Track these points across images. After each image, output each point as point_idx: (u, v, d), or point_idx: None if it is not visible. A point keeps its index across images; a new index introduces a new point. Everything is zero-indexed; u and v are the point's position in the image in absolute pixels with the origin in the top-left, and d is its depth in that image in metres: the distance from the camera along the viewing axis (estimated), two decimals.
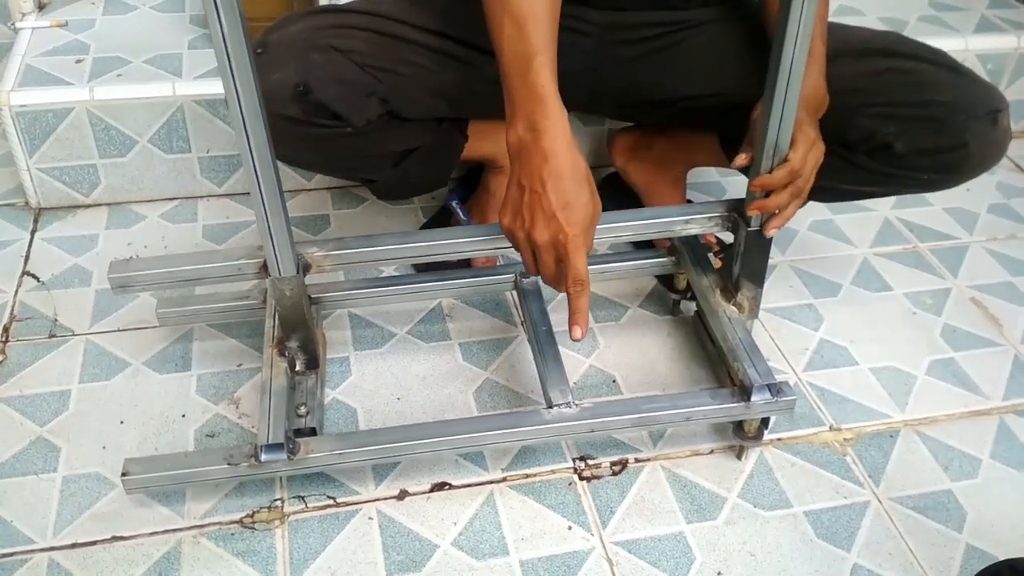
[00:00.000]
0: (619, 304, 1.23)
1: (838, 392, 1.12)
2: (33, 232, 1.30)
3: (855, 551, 0.95)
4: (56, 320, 1.16)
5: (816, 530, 0.96)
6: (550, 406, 0.94)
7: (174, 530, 0.92)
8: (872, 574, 0.93)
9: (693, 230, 1.02)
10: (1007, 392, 1.14)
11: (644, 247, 1.22)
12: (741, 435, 1.00)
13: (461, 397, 1.09)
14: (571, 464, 1.02)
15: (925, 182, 1.05)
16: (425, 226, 1.31)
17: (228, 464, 0.89)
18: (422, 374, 1.11)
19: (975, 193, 1.51)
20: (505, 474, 1.00)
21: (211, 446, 1.00)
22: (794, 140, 0.90)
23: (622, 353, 1.16)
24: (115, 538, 0.91)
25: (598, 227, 0.84)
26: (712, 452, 1.04)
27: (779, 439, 1.06)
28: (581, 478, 1.00)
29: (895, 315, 1.25)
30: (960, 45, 1.54)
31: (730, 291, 1.06)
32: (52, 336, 1.13)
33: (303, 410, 0.96)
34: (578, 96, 1.00)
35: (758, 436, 1.00)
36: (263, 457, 0.88)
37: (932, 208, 1.47)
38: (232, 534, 0.92)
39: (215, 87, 1.28)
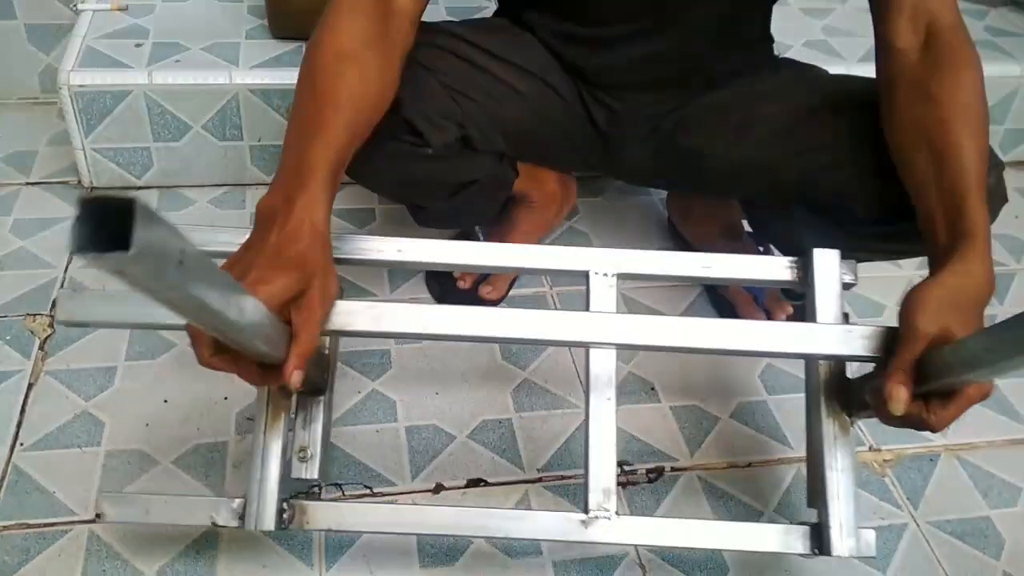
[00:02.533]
0: (660, 313, 1.23)
1: None
2: None
3: (891, 573, 0.94)
4: None
5: None
6: (587, 511, 0.81)
7: None
8: None
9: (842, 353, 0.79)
10: None
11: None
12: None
13: (499, 396, 1.09)
14: None
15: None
16: None
17: (213, 525, 0.79)
18: (461, 370, 1.12)
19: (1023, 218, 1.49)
20: (541, 475, 1.00)
21: (251, 429, 1.01)
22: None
23: (662, 361, 1.15)
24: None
25: (713, 347, 0.77)
26: (750, 465, 1.04)
27: None
28: (617, 484, 1.00)
29: None
30: (1016, 71, 1.53)
31: (850, 402, 0.83)
32: None
33: (303, 455, 0.83)
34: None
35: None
36: (255, 526, 0.78)
37: None
38: None
39: (270, 77, 1.30)
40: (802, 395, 0.87)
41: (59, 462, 0.97)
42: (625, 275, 0.87)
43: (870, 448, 1.07)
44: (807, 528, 0.81)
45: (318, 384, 0.84)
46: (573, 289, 1.25)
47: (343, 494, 0.96)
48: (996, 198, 0.86)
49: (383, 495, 0.97)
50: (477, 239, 1.26)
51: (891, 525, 0.98)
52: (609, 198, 1.44)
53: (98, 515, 0.80)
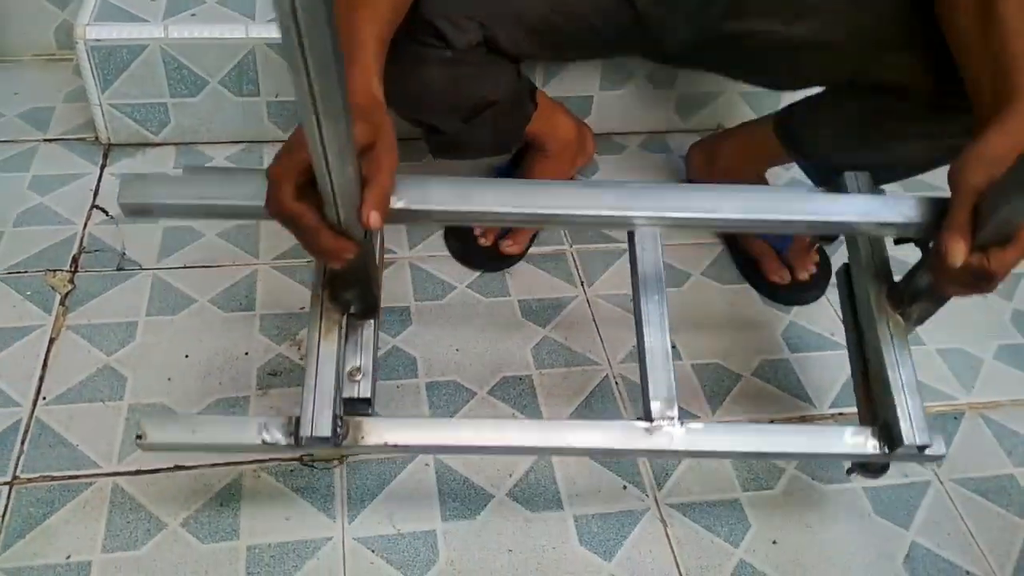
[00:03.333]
0: (681, 271, 1.22)
1: None
2: (103, 167, 1.32)
3: (914, 529, 0.94)
4: (124, 254, 1.17)
5: (875, 506, 0.95)
6: (649, 418, 0.78)
7: (235, 463, 0.94)
8: (930, 553, 0.92)
9: (877, 233, 0.79)
10: None
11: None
12: (863, 469, 0.87)
13: (520, 352, 1.09)
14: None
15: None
16: None
17: (264, 443, 0.75)
18: (481, 327, 1.11)
19: None
20: None
21: (273, 384, 1.02)
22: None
23: (682, 319, 1.14)
24: (177, 467, 0.93)
25: (759, 218, 0.75)
26: (772, 422, 1.03)
27: (841, 413, 1.04)
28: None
29: (966, 298, 1.22)
30: None
31: (900, 298, 0.84)
32: (120, 269, 1.15)
33: (355, 374, 0.81)
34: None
35: (879, 475, 0.87)
36: (304, 442, 0.74)
37: None
38: (291, 470, 0.94)
39: None
40: (824, 352, 0.87)
41: (82, 416, 0.97)
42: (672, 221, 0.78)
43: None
44: (874, 428, 0.80)
45: (370, 302, 0.81)
46: (591, 247, 1.24)
47: None
48: None
49: (406, 449, 0.97)
50: None
51: (914, 483, 0.98)
52: (629, 155, 1.43)
53: (139, 436, 0.75)
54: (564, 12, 0.96)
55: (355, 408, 0.79)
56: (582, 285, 1.18)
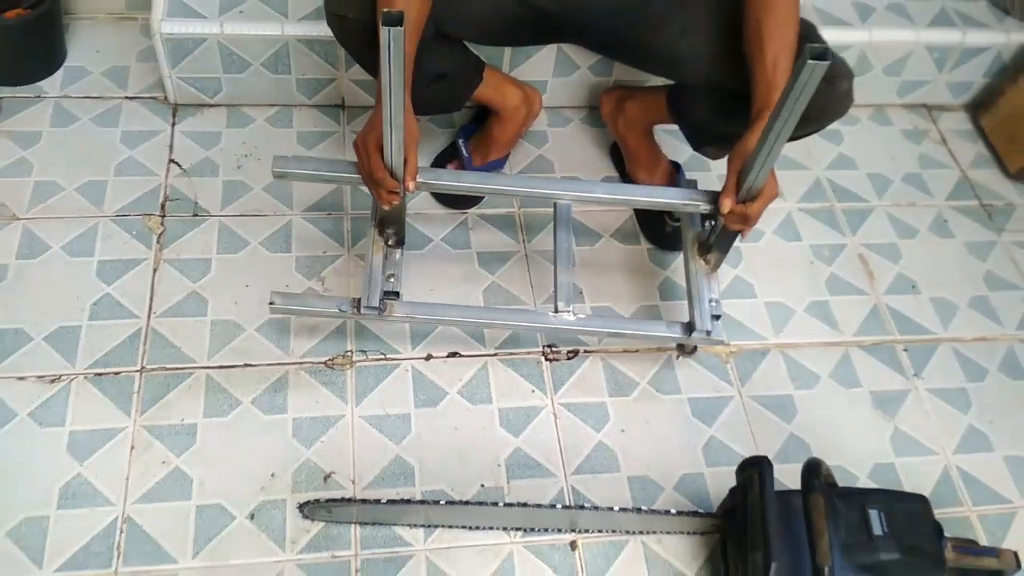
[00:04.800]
0: (596, 233, 1.69)
1: (736, 317, 1.61)
2: (173, 125, 1.75)
3: (715, 427, 1.47)
4: (197, 202, 1.64)
5: (692, 411, 1.48)
6: (557, 311, 1.37)
7: (282, 363, 1.45)
8: (722, 444, 1.45)
9: (689, 210, 1.39)
10: (858, 330, 1.62)
11: None
12: (681, 350, 1.47)
13: (474, 294, 1.58)
14: (541, 349, 1.52)
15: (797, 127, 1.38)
16: (439, 155, 1.74)
17: (339, 310, 1.35)
18: (449, 273, 1.60)
19: (897, 161, 1.91)
20: (497, 351, 1.51)
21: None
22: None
23: (591, 272, 1.63)
24: (247, 365, 1.45)
25: (618, 196, 1.40)
26: (638, 352, 1.54)
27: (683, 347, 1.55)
28: (546, 359, 1.51)
29: (797, 262, 1.71)
30: (912, 36, 1.88)
31: (705, 249, 1.42)
32: (195, 215, 1.62)
33: (392, 279, 1.37)
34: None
35: (693, 353, 1.47)
36: (363, 311, 1.33)
37: (857, 172, 1.88)
38: (319, 370, 1.45)
39: (312, 29, 1.68)
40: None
41: (181, 327, 1.47)
42: (581, 199, 1.42)
43: (723, 344, 1.57)
44: (683, 324, 1.40)
45: (400, 237, 1.40)
46: (533, 210, 1.70)
47: (367, 357, 1.48)
48: (842, 100, 1.36)
49: (393, 359, 1.48)
50: (461, 151, 1.70)
51: (722, 397, 1.50)
52: (573, 128, 1.86)
53: (271, 303, 1.33)
54: (498, 11, 1.36)
55: (389, 296, 1.37)
56: (523, 243, 1.66)
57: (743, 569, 1.17)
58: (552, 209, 1.43)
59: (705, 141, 1.55)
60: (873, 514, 1.15)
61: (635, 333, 1.43)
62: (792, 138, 1.43)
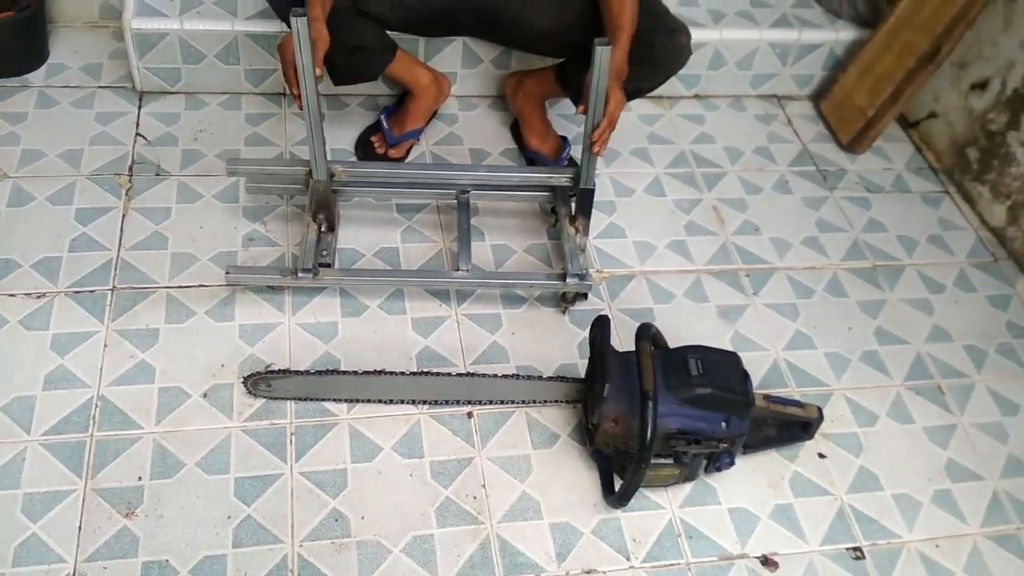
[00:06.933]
0: (511, 215, 2.03)
1: (609, 252, 1.96)
2: (139, 107, 2.08)
3: (586, 329, 1.80)
4: (159, 165, 1.96)
5: (571, 320, 1.81)
6: (457, 270, 1.75)
7: (231, 284, 1.76)
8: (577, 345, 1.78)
9: (555, 184, 1.84)
10: (708, 261, 1.98)
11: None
12: (565, 301, 1.81)
13: (391, 234, 1.91)
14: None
15: (649, 75, 1.82)
16: (364, 131, 2.10)
17: (280, 275, 1.69)
18: (396, 240, 1.93)
19: (750, 138, 2.30)
20: (415, 277, 1.84)
21: (250, 248, 1.83)
22: (608, 98, 1.61)
23: (500, 240, 1.97)
24: (201, 285, 1.75)
25: (503, 174, 1.83)
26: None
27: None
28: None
29: (661, 213, 2.07)
30: (756, 35, 2.30)
31: (573, 219, 1.82)
32: (157, 175, 1.94)
33: (324, 254, 1.74)
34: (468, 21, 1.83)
35: (573, 303, 1.81)
36: (299, 275, 1.67)
37: (715, 145, 2.26)
38: (263, 290, 1.76)
39: (259, 26, 2.04)
40: None
41: (147, 258, 1.78)
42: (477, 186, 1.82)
43: (597, 271, 1.91)
44: (559, 275, 1.75)
45: (331, 223, 1.77)
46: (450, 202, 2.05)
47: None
48: (681, 50, 1.82)
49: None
50: (382, 124, 2.05)
51: (586, 311, 1.84)
52: (479, 113, 2.23)
53: (227, 273, 1.64)
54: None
55: (323, 266, 1.70)
56: (442, 232, 1.99)
57: (591, 404, 1.49)
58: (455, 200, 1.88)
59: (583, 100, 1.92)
60: (691, 361, 1.48)
61: (523, 283, 1.79)
62: (649, 88, 1.85)
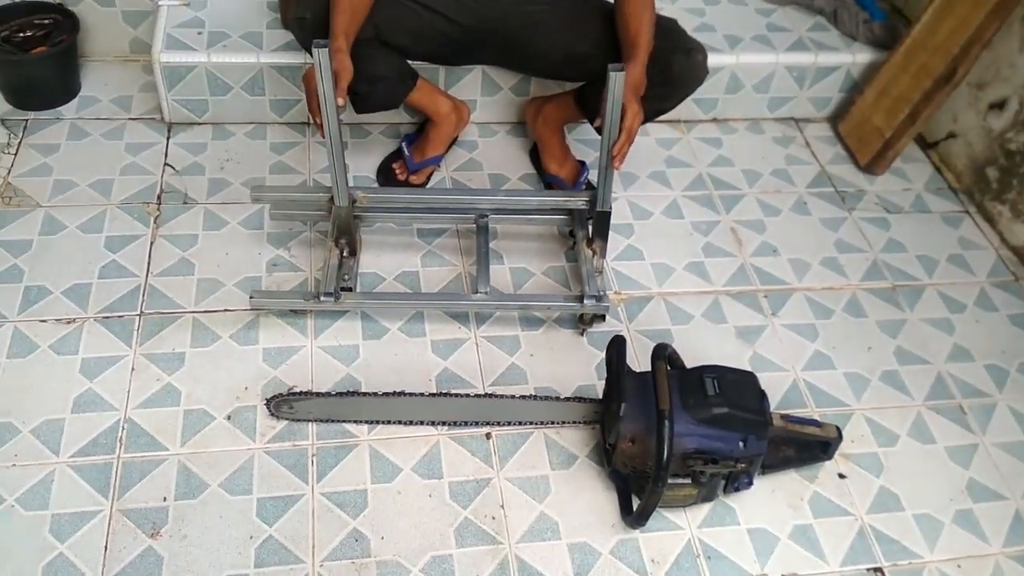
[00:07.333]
0: (529, 239, 2.06)
1: (627, 274, 1.97)
2: (168, 138, 2.14)
3: (604, 350, 1.81)
4: (187, 194, 2.01)
5: (589, 342, 1.83)
6: (476, 292, 1.77)
7: (255, 310, 1.80)
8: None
9: (573, 207, 1.87)
10: (726, 283, 1.99)
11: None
12: (583, 322, 1.83)
13: (412, 259, 1.94)
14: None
15: (666, 95, 1.83)
16: (386, 158, 2.14)
17: (303, 299, 1.74)
18: (416, 264, 1.97)
19: (767, 160, 2.32)
20: (433, 300, 1.87)
21: (274, 273, 1.87)
22: (625, 112, 1.61)
23: (518, 263, 1.99)
24: (226, 310, 1.79)
25: (521, 198, 1.85)
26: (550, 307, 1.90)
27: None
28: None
29: (679, 234, 2.09)
30: (773, 59, 2.32)
31: (590, 241, 1.84)
32: (185, 203, 1.99)
33: (346, 278, 1.78)
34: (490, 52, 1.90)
35: (591, 324, 1.83)
36: (322, 299, 1.71)
37: (733, 168, 2.28)
38: (285, 314, 1.80)
39: (283, 58, 2.10)
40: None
41: (174, 284, 1.82)
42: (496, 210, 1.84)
43: (615, 292, 1.93)
44: (577, 297, 1.76)
45: (353, 248, 1.80)
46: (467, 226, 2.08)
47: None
48: (697, 68, 1.83)
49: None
50: (404, 151, 2.09)
51: (604, 332, 1.85)
52: (499, 139, 2.27)
53: (251, 298, 1.68)
54: (430, 25, 1.79)
55: (344, 289, 1.74)
56: (461, 255, 2.02)
57: (608, 423, 1.51)
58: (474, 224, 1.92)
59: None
60: (708, 380, 1.49)
61: (541, 305, 1.81)
62: (668, 108, 1.87)
